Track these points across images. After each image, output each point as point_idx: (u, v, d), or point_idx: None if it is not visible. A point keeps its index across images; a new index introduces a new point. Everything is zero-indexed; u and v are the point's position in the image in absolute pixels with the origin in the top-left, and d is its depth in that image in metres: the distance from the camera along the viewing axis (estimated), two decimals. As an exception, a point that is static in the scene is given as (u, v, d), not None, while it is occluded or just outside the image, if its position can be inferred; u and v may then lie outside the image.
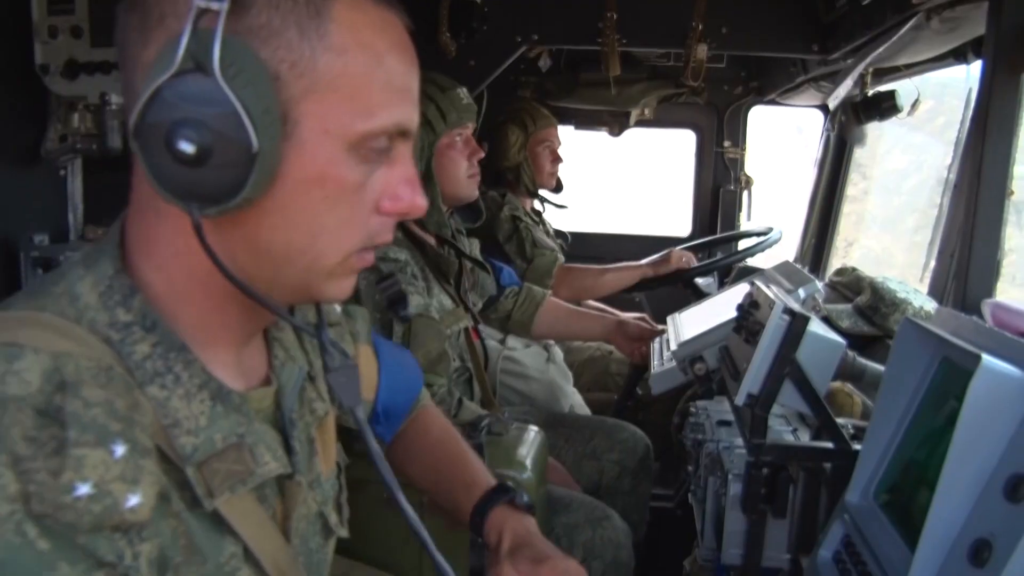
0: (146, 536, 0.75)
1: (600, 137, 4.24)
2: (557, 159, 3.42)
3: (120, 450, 0.73)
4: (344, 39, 0.80)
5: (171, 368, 0.83)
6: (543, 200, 3.51)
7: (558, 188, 3.55)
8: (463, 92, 2.16)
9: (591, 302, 3.48)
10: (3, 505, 0.67)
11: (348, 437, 1.25)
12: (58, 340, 0.76)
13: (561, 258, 3.25)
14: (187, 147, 0.74)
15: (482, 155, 2.24)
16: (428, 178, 2.09)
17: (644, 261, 3.17)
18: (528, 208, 3.42)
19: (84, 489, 0.70)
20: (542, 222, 3.49)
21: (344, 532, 1.11)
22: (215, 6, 0.73)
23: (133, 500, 0.73)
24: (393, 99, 0.84)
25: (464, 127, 2.17)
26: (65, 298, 0.82)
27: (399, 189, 0.87)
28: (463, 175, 2.20)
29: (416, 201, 0.88)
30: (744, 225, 4.13)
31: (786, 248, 3.74)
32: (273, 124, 0.76)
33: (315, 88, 0.79)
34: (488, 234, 3.03)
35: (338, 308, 1.25)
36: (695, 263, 3.15)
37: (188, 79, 0.73)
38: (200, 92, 0.73)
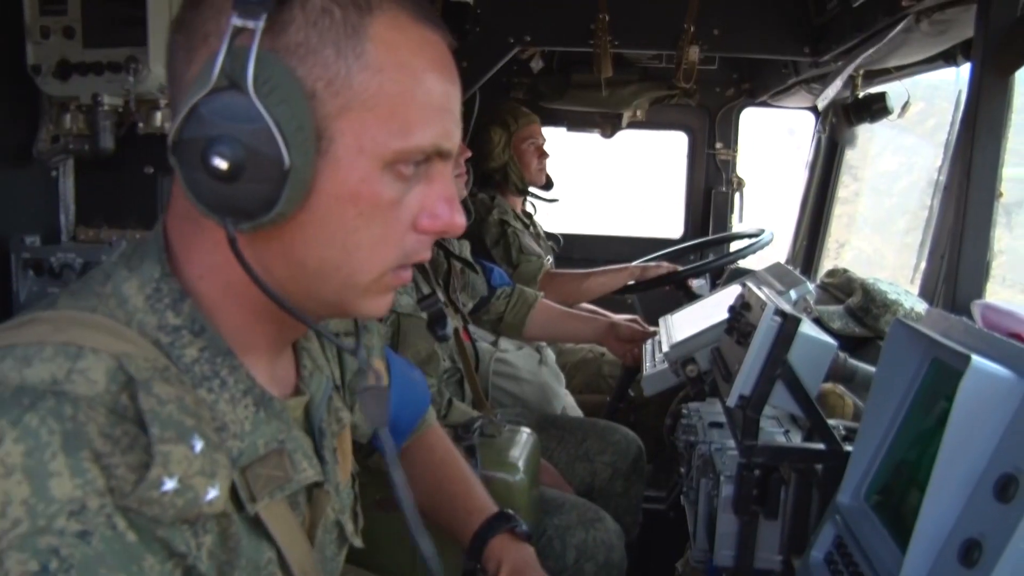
0: (208, 529, 0.79)
1: (592, 139, 4.24)
2: (543, 155, 3.42)
3: (199, 445, 0.75)
4: (381, 58, 0.80)
5: (218, 373, 0.85)
6: (534, 197, 3.51)
7: (548, 185, 3.56)
8: None
9: (583, 304, 3.48)
10: (93, 498, 0.69)
11: (356, 449, 1.25)
12: (114, 341, 0.77)
13: (547, 264, 3.25)
14: (221, 163, 0.75)
15: (469, 154, 2.25)
16: None
17: (634, 264, 3.17)
18: (520, 209, 3.42)
19: (171, 484, 0.72)
20: (533, 224, 3.49)
21: (358, 542, 1.11)
22: (251, 24, 0.74)
23: (212, 493, 0.76)
24: (431, 118, 0.84)
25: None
26: (114, 299, 0.83)
27: (437, 207, 0.87)
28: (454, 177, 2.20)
29: (455, 219, 0.88)
30: (736, 227, 4.14)
31: (777, 250, 3.75)
32: (307, 141, 0.77)
33: (351, 106, 0.79)
34: (477, 236, 3.03)
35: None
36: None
37: (223, 96, 0.75)
38: (234, 109, 0.75)
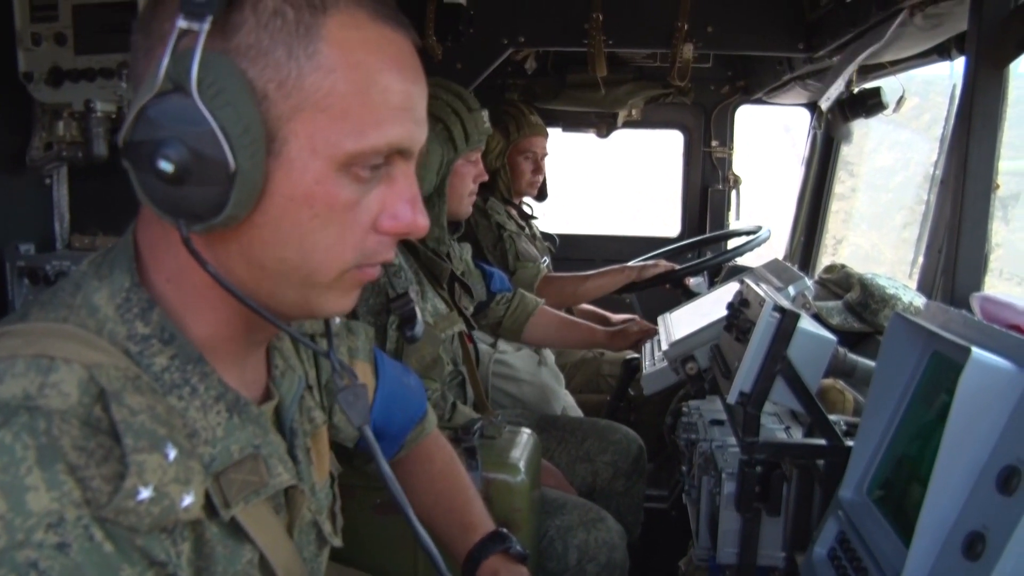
0: (185, 537, 0.80)
1: (588, 139, 4.24)
2: (540, 170, 3.38)
3: (172, 453, 0.76)
4: (333, 58, 0.79)
5: (188, 380, 0.85)
6: (518, 206, 3.48)
7: (541, 196, 3.53)
8: (486, 115, 2.17)
9: (582, 304, 3.47)
10: (70, 510, 0.69)
11: (343, 449, 1.25)
12: (86, 351, 0.77)
13: (544, 269, 3.24)
14: (167, 165, 0.75)
15: (485, 178, 2.28)
16: (440, 194, 2.10)
17: (631, 263, 3.16)
18: (516, 208, 3.41)
19: (146, 493, 0.73)
20: (528, 225, 3.48)
21: (338, 542, 1.11)
22: (196, 26, 0.74)
23: (187, 500, 0.77)
24: (388, 118, 0.82)
25: (479, 149, 2.19)
26: (84, 309, 0.83)
27: (398, 208, 0.86)
28: (466, 195, 2.23)
29: (417, 221, 0.87)
30: (733, 224, 4.15)
31: (775, 247, 3.75)
32: (255, 143, 0.77)
33: (303, 107, 0.79)
34: (472, 240, 3.02)
35: (337, 320, 1.24)
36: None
37: (170, 98, 0.75)
38: (179, 111, 0.74)
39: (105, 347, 0.80)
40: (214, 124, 0.74)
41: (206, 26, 0.74)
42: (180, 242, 0.81)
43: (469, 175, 2.20)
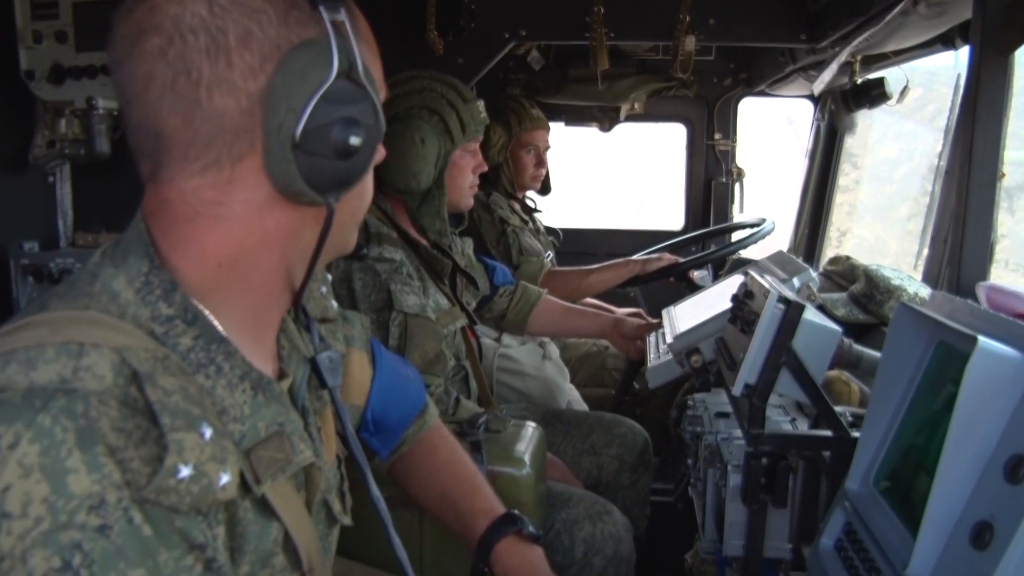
0: (219, 520, 0.81)
1: (591, 133, 4.23)
2: (542, 163, 3.38)
3: (208, 432, 0.77)
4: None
5: (213, 360, 0.87)
6: (523, 201, 3.48)
7: (545, 190, 3.53)
8: (481, 105, 2.16)
9: (586, 299, 3.46)
10: (111, 492, 0.70)
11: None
12: (113, 335, 0.78)
13: (547, 263, 3.23)
14: (355, 140, 0.86)
15: (485, 169, 2.26)
16: (439, 187, 2.09)
17: (635, 257, 3.15)
18: (519, 203, 3.40)
19: (186, 472, 0.74)
20: (532, 220, 3.47)
21: (347, 520, 1.13)
22: (340, 17, 0.85)
23: (224, 478, 0.77)
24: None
25: (476, 140, 2.18)
26: (104, 296, 0.84)
27: None
28: (467, 186, 2.21)
29: None
30: (737, 217, 4.13)
31: (779, 239, 3.74)
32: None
33: None
34: (475, 235, 3.02)
35: (335, 306, 1.25)
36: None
37: (340, 82, 0.84)
38: (348, 92, 0.85)
39: (131, 330, 0.81)
40: (375, 97, 0.88)
41: (345, 16, 0.85)
42: (207, 226, 0.86)
43: (468, 166, 2.19)
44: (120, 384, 0.75)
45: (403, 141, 2.01)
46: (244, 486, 0.84)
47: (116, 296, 0.84)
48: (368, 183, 0.98)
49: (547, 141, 3.38)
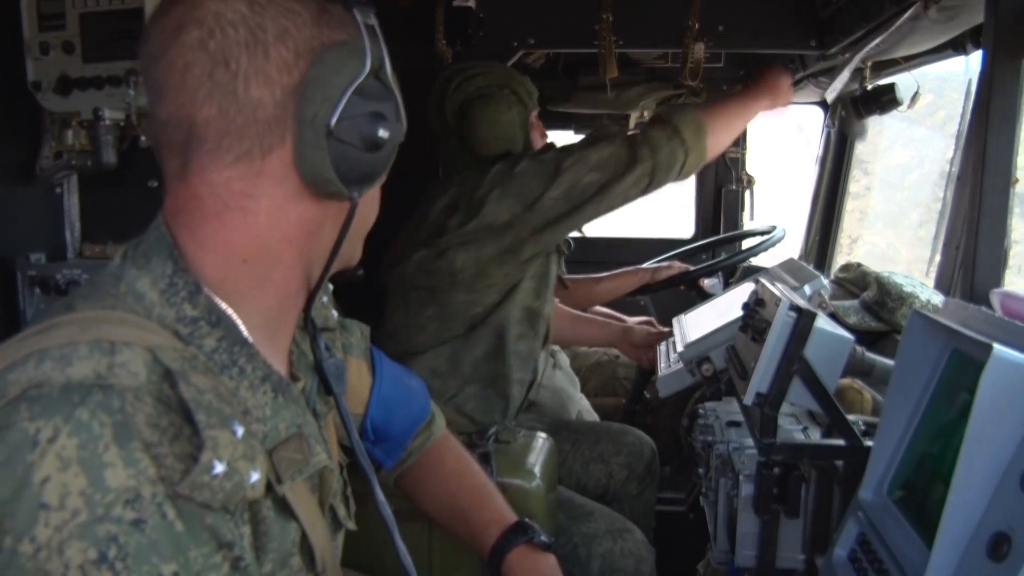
0: (245, 520, 0.82)
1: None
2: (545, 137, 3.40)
3: (240, 430, 0.79)
4: None
5: (235, 361, 0.88)
6: None
7: None
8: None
9: (596, 307, 3.45)
10: (147, 487, 0.71)
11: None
12: (143, 334, 0.80)
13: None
14: (384, 132, 0.89)
15: (547, 137, 2.36)
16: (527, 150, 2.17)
17: (646, 265, 3.14)
18: None
19: (220, 468, 0.75)
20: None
21: (351, 525, 1.14)
22: (372, 21, 0.90)
23: (254, 476, 0.79)
24: None
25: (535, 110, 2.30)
26: (130, 297, 0.85)
27: None
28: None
29: None
30: (747, 225, 4.12)
31: (790, 247, 3.72)
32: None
33: None
34: None
35: (335, 315, 1.26)
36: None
37: (369, 78, 0.88)
38: (374, 88, 0.89)
39: (158, 330, 0.82)
40: (399, 97, 0.92)
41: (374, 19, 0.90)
42: (234, 226, 0.88)
43: (538, 130, 2.30)
44: (154, 381, 0.76)
45: (495, 112, 2.12)
46: (267, 485, 0.85)
47: (142, 297, 0.85)
48: (377, 195, 1.01)
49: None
